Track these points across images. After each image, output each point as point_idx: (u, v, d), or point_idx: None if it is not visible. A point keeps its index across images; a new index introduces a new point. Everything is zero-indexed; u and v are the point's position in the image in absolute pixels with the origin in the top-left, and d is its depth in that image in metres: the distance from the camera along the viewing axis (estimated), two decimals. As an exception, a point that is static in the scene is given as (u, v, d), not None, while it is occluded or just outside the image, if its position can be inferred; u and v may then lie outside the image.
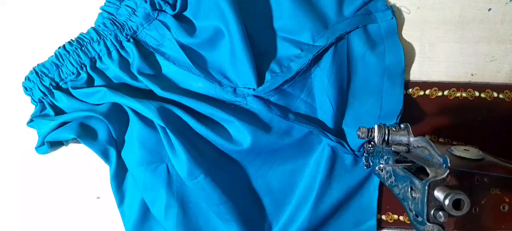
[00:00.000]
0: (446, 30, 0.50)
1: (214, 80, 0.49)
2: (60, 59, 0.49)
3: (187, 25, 0.50)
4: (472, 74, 0.50)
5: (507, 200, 0.32)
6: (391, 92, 0.48)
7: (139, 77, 0.49)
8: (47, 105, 0.50)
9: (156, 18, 0.49)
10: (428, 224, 0.31)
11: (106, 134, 0.50)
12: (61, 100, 0.50)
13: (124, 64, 0.50)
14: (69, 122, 0.49)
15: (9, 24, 0.56)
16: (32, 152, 0.55)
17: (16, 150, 0.56)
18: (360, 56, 0.49)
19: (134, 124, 0.49)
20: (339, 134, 0.50)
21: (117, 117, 0.50)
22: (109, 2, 0.49)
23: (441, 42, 0.50)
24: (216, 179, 0.49)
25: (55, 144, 0.51)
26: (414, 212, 0.34)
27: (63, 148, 0.55)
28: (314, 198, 0.50)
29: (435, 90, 0.50)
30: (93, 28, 0.49)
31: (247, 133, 0.48)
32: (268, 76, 0.49)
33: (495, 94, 0.50)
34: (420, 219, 0.32)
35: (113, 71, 0.49)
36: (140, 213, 0.52)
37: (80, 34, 0.49)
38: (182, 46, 0.49)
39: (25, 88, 0.50)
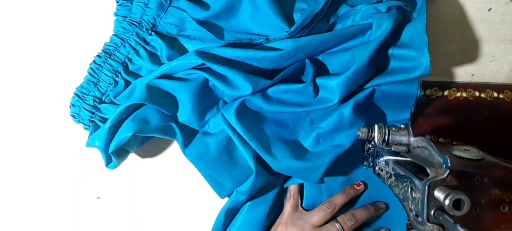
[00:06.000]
0: (446, 30, 0.50)
1: (244, 39, 0.49)
2: (95, 75, 0.49)
3: (200, 2, 0.50)
4: (472, 74, 0.50)
5: (507, 200, 0.32)
6: None
7: None
8: (98, 123, 0.50)
9: (170, 5, 0.49)
10: (428, 224, 0.32)
11: (158, 115, 0.49)
12: (109, 111, 0.49)
13: (154, 58, 0.50)
14: (118, 125, 0.48)
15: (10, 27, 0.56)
16: (31, 152, 0.55)
17: (15, 149, 0.56)
18: None
19: (175, 89, 0.49)
20: None
21: (157, 94, 0.49)
22: (120, 6, 0.50)
23: (441, 42, 0.50)
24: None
25: (121, 154, 0.50)
26: (414, 212, 0.34)
27: (63, 147, 0.55)
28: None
29: (435, 90, 0.50)
30: (113, 35, 0.50)
31: (287, 41, 0.47)
32: (297, 16, 0.48)
33: (495, 94, 0.50)
34: (420, 219, 0.32)
35: (146, 68, 0.50)
36: None
37: (105, 44, 0.49)
38: (202, 23, 0.49)
39: (73, 116, 0.50)
